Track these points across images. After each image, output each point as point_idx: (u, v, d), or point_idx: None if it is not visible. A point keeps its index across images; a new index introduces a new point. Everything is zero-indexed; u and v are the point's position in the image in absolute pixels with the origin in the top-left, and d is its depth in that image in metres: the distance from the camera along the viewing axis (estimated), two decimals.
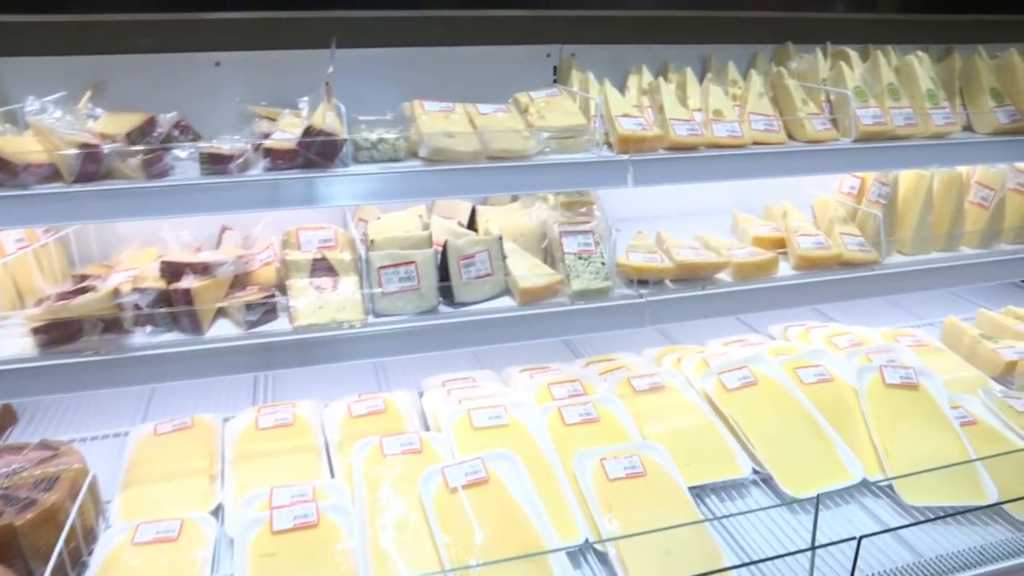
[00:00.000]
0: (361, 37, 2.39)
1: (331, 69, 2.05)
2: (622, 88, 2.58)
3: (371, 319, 2.01)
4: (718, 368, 2.26)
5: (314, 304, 1.98)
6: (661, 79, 2.44)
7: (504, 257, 2.17)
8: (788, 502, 1.65)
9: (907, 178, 2.53)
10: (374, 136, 2.07)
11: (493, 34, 2.56)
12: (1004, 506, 1.91)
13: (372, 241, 2.08)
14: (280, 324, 1.97)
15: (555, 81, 2.64)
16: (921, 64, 2.64)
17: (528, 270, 2.14)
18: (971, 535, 1.88)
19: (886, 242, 2.41)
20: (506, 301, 2.13)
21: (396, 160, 2.07)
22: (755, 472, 2.04)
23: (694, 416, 2.16)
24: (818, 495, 1.61)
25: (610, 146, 2.20)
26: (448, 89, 2.32)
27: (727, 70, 2.63)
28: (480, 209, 2.43)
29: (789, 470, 1.99)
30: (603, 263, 2.18)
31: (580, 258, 2.18)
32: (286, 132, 1.98)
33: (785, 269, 2.37)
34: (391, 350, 2.00)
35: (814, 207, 2.66)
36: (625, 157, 2.12)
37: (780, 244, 2.47)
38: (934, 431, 2.09)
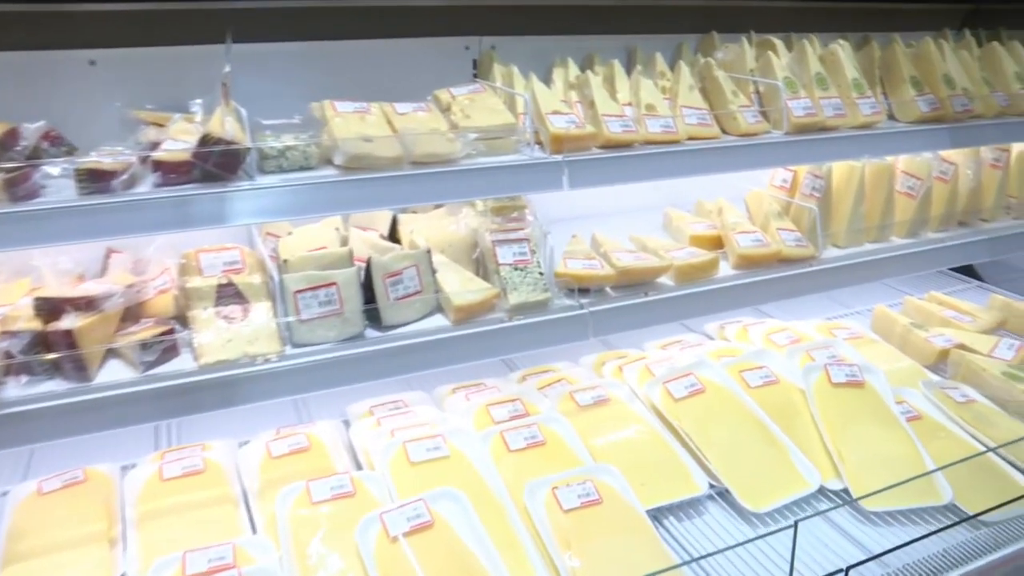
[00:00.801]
0: (260, 30, 2.15)
1: (228, 67, 1.80)
2: (547, 82, 2.43)
3: (289, 350, 1.79)
4: (663, 376, 2.16)
5: (222, 337, 1.74)
6: (590, 72, 2.30)
7: (434, 272, 1.99)
8: (764, 534, 1.55)
9: (839, 170, 2.49)
10: (282, 143, 1.84)
11: (407, 25, 2.36)
12: (957, 502, 1.88)
13: (285, 261, 1.86)
14: (183, 363, 1.73)
15: (475, 76, 2.46)
16: (844, 53, 2.60)
17: (461, 285, 1.97)
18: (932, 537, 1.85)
19: (823, 236, 2.36)
20: (439, 320, 1.95)
21: (308, 169, 1.86)
22: (711, 486, 1.94)
23: (643, 431, 2.05)
24: (796, 522, 1.52)
25: (541, 146, 2.04)
26: (359, 87, 2.11)
27: (655, 62, 2.52)
28: (402, 218, 2.23)
29: (746, 483, 1.90)
30: (541, 273, 2.03)
31: (516, 269, 2.02)
32: (178, 141, 1.73)
33: (724, 268, 2.28)
34: (315, 384, 1.79)
35: (747, 201, 2.59)
36: (559, 158, 1.97)
37: (717, 242, 2.39)
38: (884, 430, 2.05)
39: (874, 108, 2.46)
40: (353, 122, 1.93)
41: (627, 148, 2.11)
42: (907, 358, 2.50)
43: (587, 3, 2.54)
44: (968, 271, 3.39)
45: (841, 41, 2.65)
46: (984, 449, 1.94)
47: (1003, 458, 2.02)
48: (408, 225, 2.18)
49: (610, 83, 2.39)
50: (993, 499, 1.87)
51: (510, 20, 2.47)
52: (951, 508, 1.89)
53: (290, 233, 2.12)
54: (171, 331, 1.74)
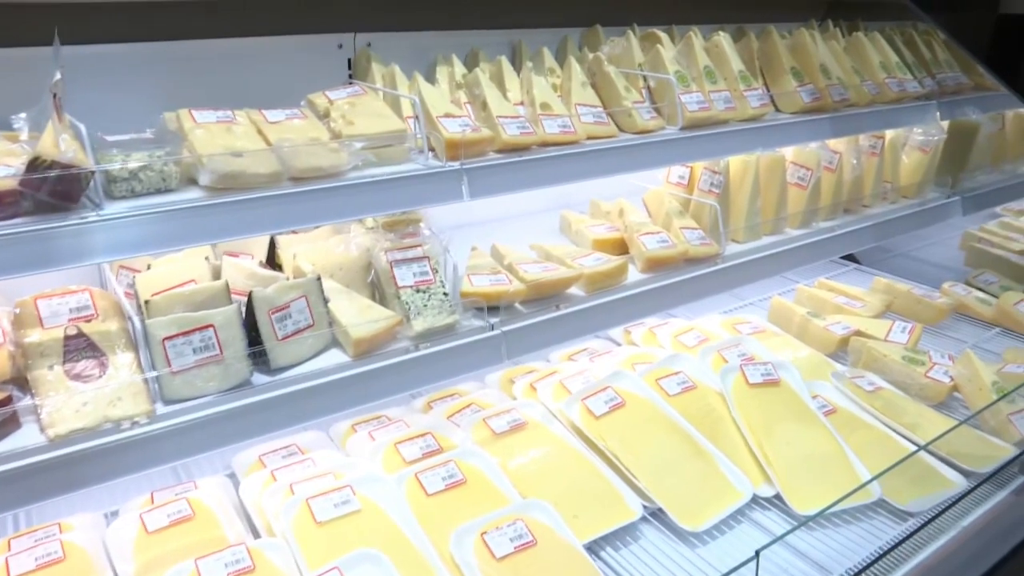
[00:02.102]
0: (95, 29, 1.83)
1: (58, 74, 1.49)
2: (431, 82, 2.24)
3: (162, 409, 1.51)
4: (581, 393, 2.02)
5: (76, 401, 1.44)
6: (479, 70, 2.12)
7: (326, 301, 1.75)
8: (729, 572, 1.43)
9: (734, 164, 2.45)
10: (133, 162, 1.55)
11: (271, 22, 2.09)
12: (885, 496, 1.86)
13: (147, 303, 1.57)
14: (27, 437, 1.41)
15: (351, 77, 2.23)
16: (728, 45, 2.57)
17: (358, 314, 1.74)
18: (862, 533, 1.82)
19: (724, 233, 2.31)
20: (337, 356, 1.72)
21: (167, 191, 1.58)
22: (643, 507, 1.82)
23: (568, 455, 1.91)
24: (757, 552, 1.41)
25: (434, 153, 1.86)
26: (218, 93, 1.86)
27: (543, 57, 2.38)
28: (281, 240, 1.97)
29: (680, 501, 1.80)
30: (445, 293, 1.84)
31: (418, 291, 1.82)
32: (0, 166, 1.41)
33: (632, 273, 2.18)
34: (196, 447, 1.51)
35: (646, 201, 2.50)
36: (457, 166, 1.79)
37: (621, 245, 2.28)
38: (805, 428, 2.01)
39: (762, 100, 2.44)
40: (218, 134, 1.67)
41: (525, 151, 1.96)
42: (810, 348, 2.50)
43: None
44: (847, 254, 3.50)
45: (722, 33, 2.62)
46: (915, 448, 1.94)
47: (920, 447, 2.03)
48: (289, 248, 1.93)
49: (498, 81, 2.24)
50: (916, 488, 1.86)
51: (386, 15, 2.25)
52: (881, 504, 1.87)
53: (149, 267, 1.82)
54: (8, 399, 1.42)
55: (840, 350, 2.55)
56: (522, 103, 2.16)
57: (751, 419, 2.02)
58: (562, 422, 2.02)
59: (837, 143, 2.69)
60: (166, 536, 1.63)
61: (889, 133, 2.94)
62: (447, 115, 1.93)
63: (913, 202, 2.92)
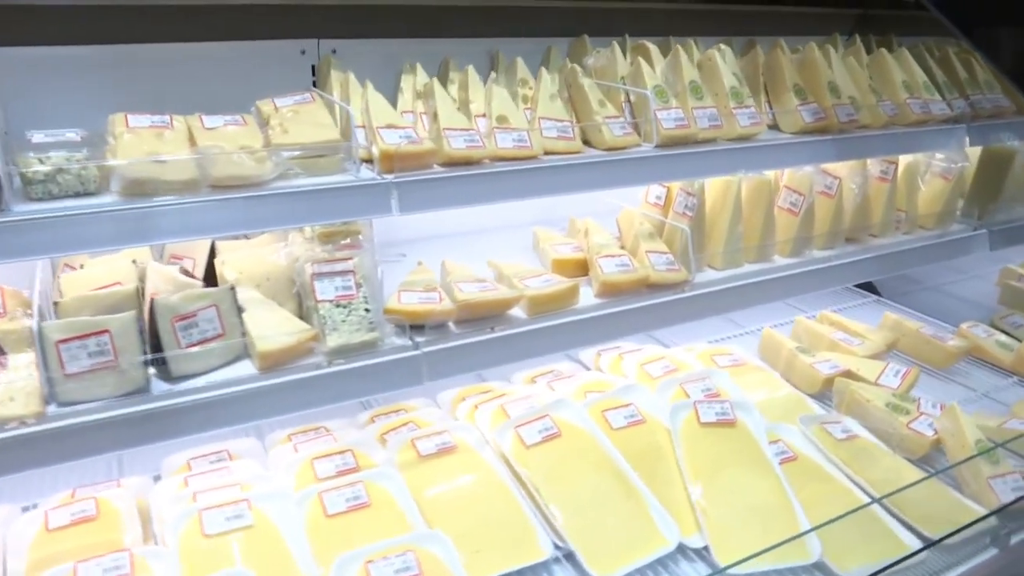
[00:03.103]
0: (58, 30, 1.87)
1: None
2: (396, 91, 2.19)
3: (53, 410, 1.52)
4: (516, 419, 1.94)
5: None
6: (435, 80, 2.07)
7: (240, 311, 1.73)
8: None
9: (714, 186, 2.31)
10: (49, 165, 1.56)
11: (234, 27, 2.09)
12: (826, 558, 1.71)
13: (56, 304, 1.58)
14: None
15: (315, 83, 2.21)
16: (724, 58, 2.42)
17: (273, 326, 1.71)
18: None
19: (695, 259, 2.17)
20: (246, 368, 1.69)
21: (87, 194, 1.58)
22: (557, 547, 1.72)
23: (489, 484, 1.82)
24: None
25: (371, 164, 1.81)
26: (181, 97, 1.85)
27: (516, 68, 2.30)
28: (221, 246, 1.96)
29: (596, 543, 1.70)
30: (367, 309, 1.79)
31: (338, 306, 1.77)
32: None
33: (588, 296, 2.08)
34: (82, 450, 1.51)
35: (619, 221, 2.39)
36: (389, 178, 1.74)
37: (583, 266, 2.18)
38: (753, 476, 1.87)
39: (753, 118, 2.28)
40: (147, 139, 1.68)
41: (473, 166, 1.89)
42: (789, 387, 2.33)
43: (443, 3, 2.30)
44: (866, 285, 3.27)
45: (722, 46, 2.48)
46: (852, 509, 1.76)
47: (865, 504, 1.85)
48: (226, 255, 1.91)
49: (465, 92, 2.18)
50: (865, 553, 1.69)
51: (354, 21, 2.22)
52: (820, 566, 1.71)
53: (82, 266, 1.84)
54: None
55: (826, 389, 2.36)
56: (484, 115, 2.10)
57: (695, 461, 1.88)
58: (493, 448, 1.93)
59: (839, 167, 2.50)
60: (64, 535, 1.64)
61: (907, 158, 2.72)
62: (390, 126, 1.88)
63: (931, 234, 2.69)
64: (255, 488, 1.73)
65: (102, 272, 1.79)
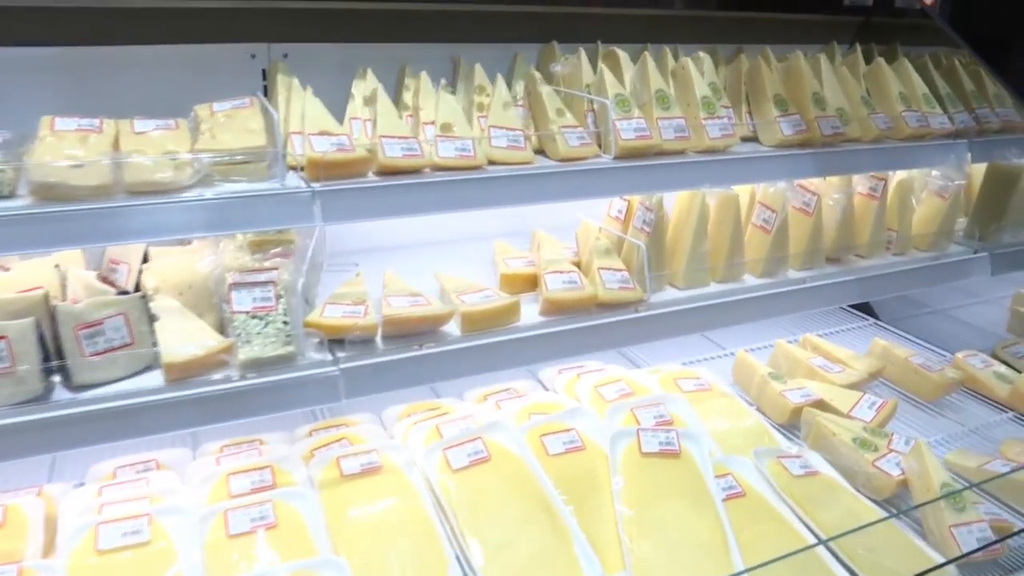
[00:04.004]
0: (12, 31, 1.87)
1: None
2: (348, 96, 2.13)
3: None
4: (447, 441, 1.85)
5: None
6: (379, 86, 2.00)
7: (152, 320, 1.68)
8: None
9: (680, 201, 2.20)
10: None
11: (183, 30, 2.06)
12: None
13: None
14: None
15: (265, 88, 2.17)
16: (701, 66, 2.31)
17: (185, 337, 1.66)
18: None
19: (651, 277, 2.06)
20: (154, 379, 1.64)
21: (2, 197, 1.56)
22: None
23: (409, 510, 1.74)
24: None
25: (302, 171, 1.76)
26: (129, 100, 1.84)
27: (474, 74, 2.22)
28: (153, 252, 1.93)
29: None
30: (285, 322, 1.72)
31: (254, 317, 1.71)
32: None
33: (535, 313, 1.98)
34: None
35: (578, 235, 2.28)
36: (315, 187, 1.68)
37: (533, 281, 2.09)
38: (691, 512, 1.74)
39: (724, 130, 2.16)
40: (69, 143, 1.65)
41: (410, 175, 1.81)
42: (756, 415, 2.19)
43: (402, 7, 2.24)
44: (864, 307, 3.09)
45: (700, 54, 2.36)
46: (789, 552, 1.63)
47: (828, 548, 1.71)
48: (154, 261, 1.88)
49: (418, 98, 2.11)
50: None
51: (307, 25, 2.17)
52: None
53: (7, 269, 1.82)
54: None
55: (796, 419, 2.22)
56: (433, 123, 2.02)
57: (631, 493, 1.77)
58: (420, 471, 1.85)
59: (819, 183, 2.36)
60: None
61: (900, 174, 2.56)
62: (323, 132, 1.82)
63: (925, 255, 2.52)
64: (164, 502, 1.68)
65: (26, 275, 1.76)
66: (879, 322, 3.00)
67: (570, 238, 2.37)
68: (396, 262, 2.37)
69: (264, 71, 2.16)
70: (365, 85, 2.12)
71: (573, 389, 2.23)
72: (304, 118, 1.86)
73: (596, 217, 2.35)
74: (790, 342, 2.66)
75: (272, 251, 1.87)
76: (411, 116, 2.14)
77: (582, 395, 2.19)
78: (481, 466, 1.81)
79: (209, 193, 1.62)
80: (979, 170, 2.71)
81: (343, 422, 2.13)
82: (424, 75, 2.12)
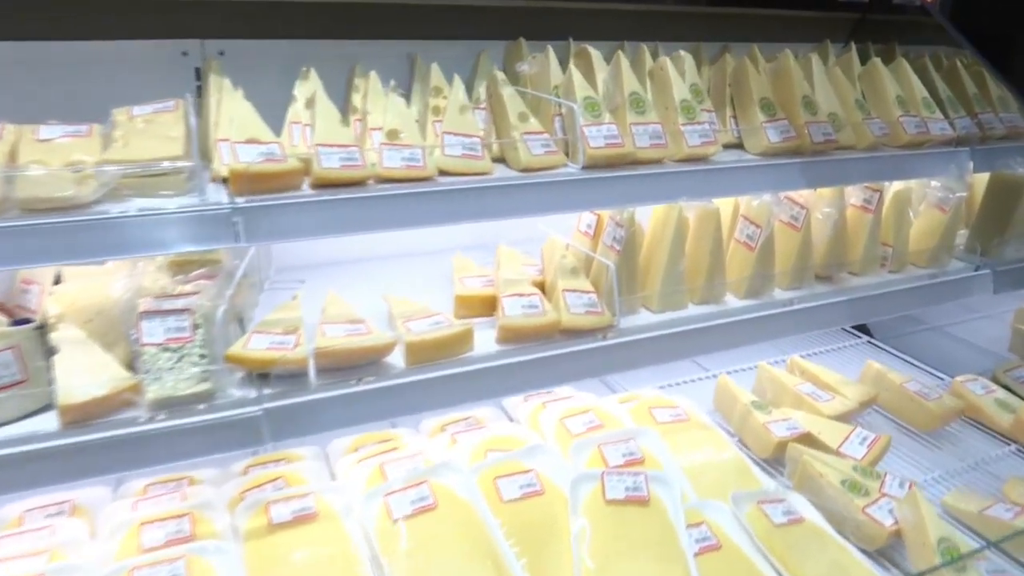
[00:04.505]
0: None
1: None
2: (290, 98, 1.93)
3: None
4: (388, 485, 1.66)
5: None
6: (320, 87, 1.81)
7: (51, 353, 1.49)
8: None
9: (655, 215, 2.00)
10: None
11: (108, 24, 1.86)
12: None
13: None
14: None
15: (199, 89, 1.97)
16: (681, 67, 2.12)
17: (86, 373, 1.47)
18: None
19: (620, 301, 1.87)
20: (49, 421, 1.45)
21: None
22: None
23: (337, 566, 1.55)
24: None
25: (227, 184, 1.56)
26: (51, 102, 1.71)
27: (430, 74, 2.02)
28: (67, 273, 1.73)
29: None
30: (203, 355, 1.53)
31: (167, 350, 1.52)
32: None
33: (489, 340, 1.79)
34: None
35: (544, 251, 2.09)
36: (239, 203, 1.48)
37: (491, 303, 1.89)
38: (658, 568, 1.56)
39: (705, 137, 1.97)
40: None
41: (350, 188, 1.62)
42: (736, 450, 2.00)
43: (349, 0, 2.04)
44: (858, 324, 2.90)
45: (681, 53, 2.17)
46: None
47: None
48: (66, 283, 1.68)
49: (367, 100, 1.91)
50: None
51: (245, 19, 1.97)
52: None
53: None
54: None
55: (778, 455, 2.03)
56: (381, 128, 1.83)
57: (593, 547, 1.58)
58: (358, 518, 1.66)
59: (809, 195, 2.17)
60: None
61: (897, 185, 2.37)
62: (251, 140, 1.62)
63: (924, 273, 2.33)
64: (63, 559, 1.49)
65: None
66: (872, 340, 2.81)
67: (539, 252, 2.18)
68: (347, 278, 2.19)
69: (198, 70, 1.96)
70: (308, 86, 1.92)
71: (537, 420, 2.04)
72: (232, 123, 1.66)
73: (566, 230, 2.16)
74: (777, 363, 2.47)
75: (194, 272, 1.68)
76: (360, 121, 1.95)
77: (546, 427, 1.99)
78: (426, 515, 1.62)
79: (115, 210, 1.43)
80: (981, 180, 2.52)
81: (284, 456, 1.94)
82: (373, 75, 1.92)
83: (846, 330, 2.88)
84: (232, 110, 1.70)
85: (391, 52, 2.13)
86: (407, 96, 1.98)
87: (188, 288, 1.62)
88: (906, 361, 2.59)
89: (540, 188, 1.77)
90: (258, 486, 1.77)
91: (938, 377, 2.52)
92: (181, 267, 1.70)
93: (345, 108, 2.02)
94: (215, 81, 1.85)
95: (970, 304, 2.94)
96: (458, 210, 1.69)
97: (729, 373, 2.47)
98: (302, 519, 1.64)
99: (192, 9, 1.91)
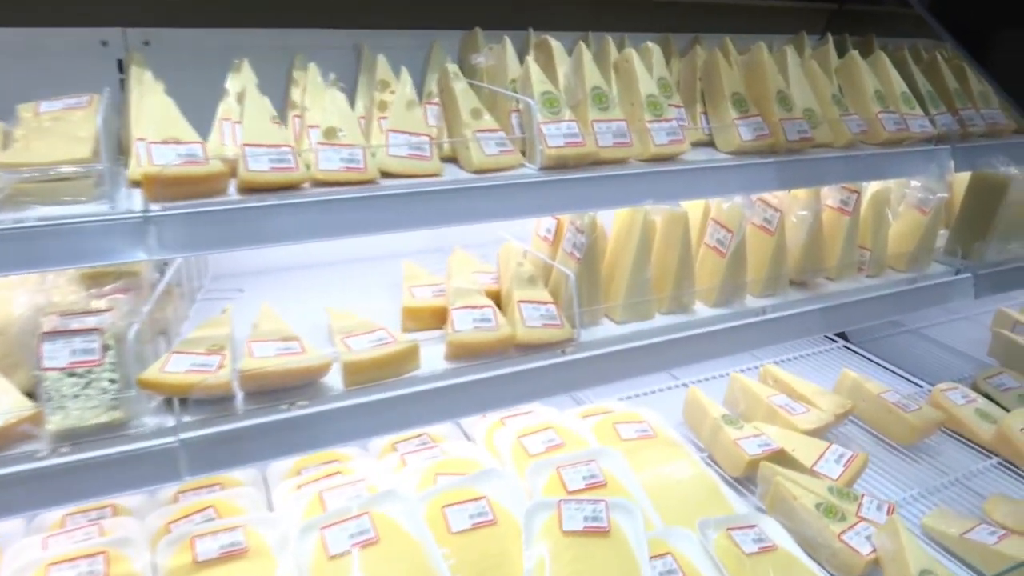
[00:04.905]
0: None
1: None
2: (221, 93, 1.77)
3: None
4: (326, 517, 1.52)
5: None
6: (253, 81, 1.65)
7: None
8: None
9: (618, 219, 1.87)
10: None
11: (21, 10, 1.69)
12: None
13: None
14: None
15: (122, 82, 1.80)
16: (649, 59, 1.98)
17: None
18: None
19: (580, 313, 1.73)
20: None
21: None
22: None
23: None
24: None
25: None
26: None
27: (376, 66, 1.87)
28: None
29: None
30: (112, 380, 1.38)
31: (72, 375, 1.36)
32: None
33: (439, 356, 1.65)
34: None
35: (500, 257, 1.95)
36: (153, 210, 1.33)
37: (444, 314, 1.75)
38: None
39: (673, 135, 1.83)
40: None
41: (284, 193, 1.47)
42: (705, 469, 1.88)
43: None
44: None
45: (649, 44, 2.03)
46: None
47: None
48: None
49: (308, 96, 1.76)
50: None
51: (171, 5, 1.80)
52: None
53: None
54: None
55: (750, 473, 1.92)
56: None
57: None
58: (292, 554, 1.52)
59: (783, 196, 2.05)
60: None
61: (875, 185, 2.25)
62: (170, 140, 1.47)
63: (902, 277, 2.22)
64: None
65: None
66: (849, 344, 2.70)
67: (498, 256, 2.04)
68: (291, 287, 2.04)
69: (121, 62, 1.79)
70: (240, 80, 1.75)
71: (493, 438, 1.91)
72: (151, 121, 1.50)
73: (525, 235, 2.02)
74: (749, 370, 2.36)
75: (109, 286, 1.52)
76: (299, 117, 1.80)
77: (502, 446, 1.86)
78: (366, 551, 1.48)
79: (9, 220, 1.27)
80: (961, 179, 2.41)
81: (220, 481, 1.80)
82: (312, 67, 1.77)
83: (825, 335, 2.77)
84: (151, 106, 1.53)
85: (336, 42, 1.98)
86: (349, 90, 1.83)
87: (102, 304, 1.46)
88: (883, 367, 2.48)
89: (493, 191, 1.63)
90: (186, 516, 1.62)
91: (916, 384, 2.42)
92: (96, 279, 1.54)
93: (284, 103, 1.87)
94: (136, 73, 1.69)
95: (950, 305, 2.86)
96: (401, 217, 1.55)
97: (701, 382, 2.36)
98: (231, 555, 1.50)
99: None
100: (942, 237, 2.43)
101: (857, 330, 2.72)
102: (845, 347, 2.69)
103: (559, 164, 1.70)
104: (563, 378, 1.70)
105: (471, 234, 2.11)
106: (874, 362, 2.51)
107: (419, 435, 1.98)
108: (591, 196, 1.72)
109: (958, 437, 2.19)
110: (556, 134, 1.70)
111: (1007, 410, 2.21)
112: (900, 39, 2.53)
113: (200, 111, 1.66)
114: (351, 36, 1.98)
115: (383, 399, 1.52)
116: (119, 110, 1.67)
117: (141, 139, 1.52)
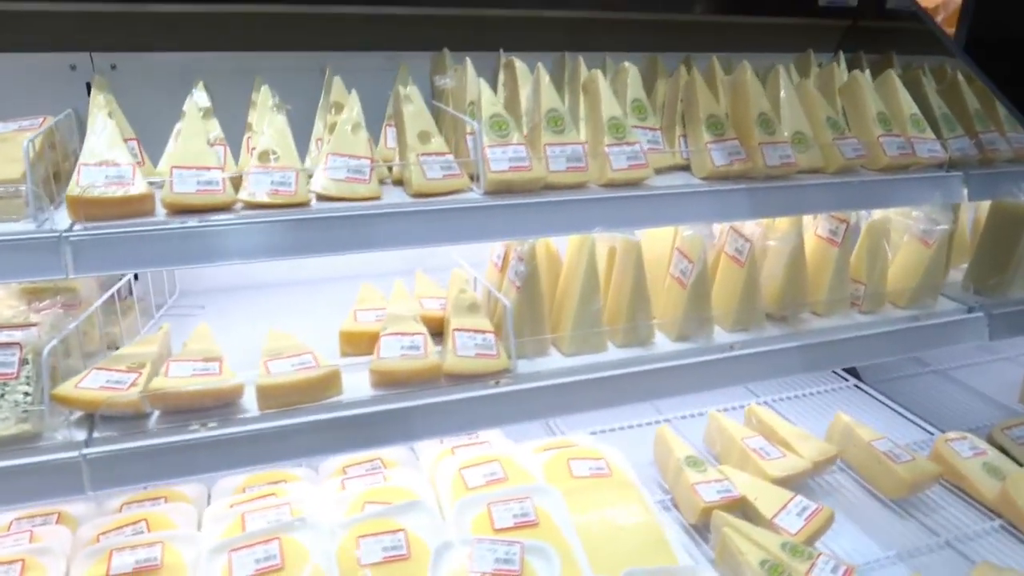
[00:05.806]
0: None
1: None
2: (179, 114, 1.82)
3: None
4: (234, 541, 1.52)
5: None
6: (192, 104, 1.68)
7: None
8: None
9: (570, 247, 1.80)
10: None
11: None
12: None
13: None
14: None
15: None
16: (621, 80, 1.92)
17: None
18: None
19: (515, 344, 1.67)
20: None
21: None
22: None
23: None
24: None
25: None
26: None
27: (331, 87, 1.88)
28: None
29: None
30: (27, 393, 1.42)
31: None
32: None
33: (362, 384, 1.62)
34: None
35: (450, 284, 1.91)
36: (69, 231, 1.37)
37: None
38: None
39: (634, 159, 1.76)
40: None
41: (217, 213, 1.49)
42: (653, 515, 1.77)
43: (254, 8, 1.91)
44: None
45: (626, 64, 1.97)
46: None
47: None
48: None
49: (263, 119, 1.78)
50: None
51: (137, 32, 1.86)
52: None
53: None
54: None
55: (703, 520, 1.79)
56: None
57: None
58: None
59: (761, 224, 1.93)
60: None
61: (876, 214, 2.09)
62: (105, 162, 1.51)
63: (903, 314, 2.04)
64: None
65: None
66: (860, 384, 2.50)
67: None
68: (255, 305, 2.07)
69: (89, 85, 1.87)
70: (195, 103, 1.80)
71: (437, 467, 1.86)
72: (96, 144, 1.55)
73: (480, 261, 1.98)
74: (738, 408, 2.22)
75: (46, 301, 1.57)
76: (250, 139, 1.82)
77: (443, 477, 1.81)
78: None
79: None
80: (983, 209, 2.21)
81: (165, 494, 1.83)
82: (265, 89, 1.80)
83: (835, 371, 2.59)
84: (97, 129, 1.58)
85: (307, 65, 2.00)
86: (290, 112, 1.83)
87: (35, 318, 1.51)
88: (892, 410, 2.29)
89: (430, 216, 1.60)
90: (118, 528, 1.65)
91: (927, 431, 2.22)
92: (37, 294, 1.60)
93: (246, 125, 1.90)
94: (94, 98, 1.76)
95: (988, 345, 2.62)
96: (330, 241, 1.54)
97: (685, 418, 2.24)
98: (144, 571, 1.52)
99: (80, 20, 1.82)
100: (960, 271, 2.23)
101: (871, 369, 2.53)
102: (856, 387, 2.49)
103: (504, 188, 1.66)
104: (496, 411, 1.64)
105: (440, 255, 2.09)
106: (885, 405, 2.31)
107: (371, 459, 1.96)
108: (536, 222, 1.66)
109: (960, 493, 1.98)
110: (501, 158, 1.66)
111: (1022, 465, 1.99)
112: (921, 57, 2.35)
113: (166, 133, 1.71)
114: (321, 58, 1.99)
115: (296, 424, 1.50)
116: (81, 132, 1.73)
117: (85, 162, 1.58)
